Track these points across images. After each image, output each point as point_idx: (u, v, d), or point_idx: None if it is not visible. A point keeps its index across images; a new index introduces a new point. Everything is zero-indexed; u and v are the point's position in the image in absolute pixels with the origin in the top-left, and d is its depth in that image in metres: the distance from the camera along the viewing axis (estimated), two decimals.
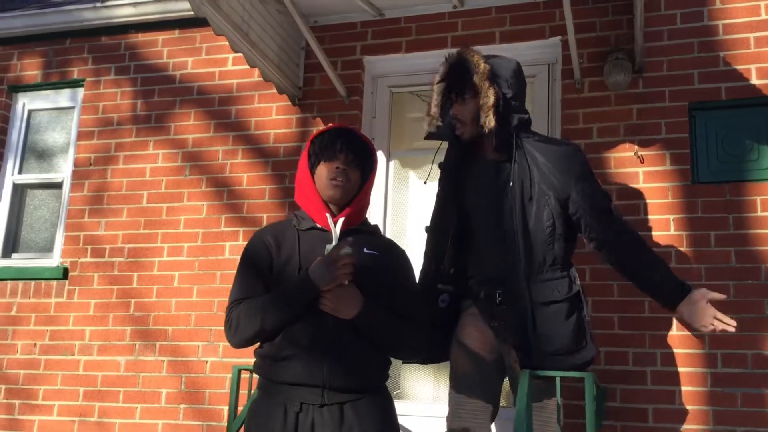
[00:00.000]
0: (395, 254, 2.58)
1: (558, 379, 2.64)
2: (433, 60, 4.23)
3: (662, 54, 3.88)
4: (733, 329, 2.69)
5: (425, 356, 2.92)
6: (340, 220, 2.44)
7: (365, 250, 2.46)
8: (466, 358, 2.93)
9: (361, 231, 2.52)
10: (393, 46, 4.36)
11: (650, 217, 3.72)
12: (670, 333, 3.59)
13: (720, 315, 2.69)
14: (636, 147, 3.81)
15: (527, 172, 2.83)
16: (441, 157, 3.12)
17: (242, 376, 3.16)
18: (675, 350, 3.56)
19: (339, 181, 2.44)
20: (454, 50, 3.02)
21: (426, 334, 2.56)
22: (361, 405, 2.36)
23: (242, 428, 2.61)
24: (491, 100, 2.79)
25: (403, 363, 3.96)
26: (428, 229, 3.12)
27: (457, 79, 2.92)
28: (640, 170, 3.79)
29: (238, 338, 2.42)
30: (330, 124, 2.63)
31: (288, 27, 4.24)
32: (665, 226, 3.69)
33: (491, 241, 2.88)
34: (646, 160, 3.79)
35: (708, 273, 3.59)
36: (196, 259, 4.42)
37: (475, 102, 2.84)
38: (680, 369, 3.54)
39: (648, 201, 3.75)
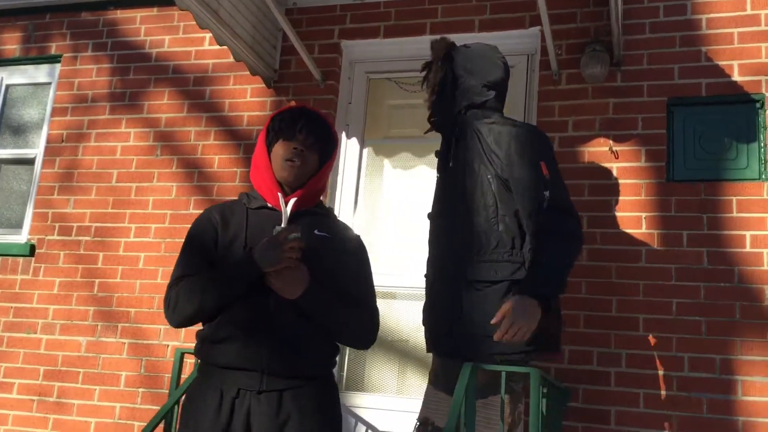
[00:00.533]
0: (348, 238, 2.47)
1: (503, 374, 2.53)
2: (411, 47, 4.17)
3: (642, 47, 3.76)
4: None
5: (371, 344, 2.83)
6: (292, 201, 2.35)
7: (316, 231, 2.37)
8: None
9: (314, 213, 2.42)
10: (371, 31, 4.26)
11: (621, 214, 3.61)
12: (637, 333, 3.48)
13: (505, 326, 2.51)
14: (611, 142, 3.70)
15: (471, 152, 2.77)
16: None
17: (189, 360, 3.06)
18: (641, 351, 3.45)
19: (294, 163, 2.34)
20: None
21: (372, 321, 2.44)
22: (302, 393, 2.24)
23: (180, 411, 2.51)
24: (434, 80, 2.85)
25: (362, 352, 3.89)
26: (429, 216, 3.02)
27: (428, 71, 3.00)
28: (614, 166, 3.68)
29: (176, 317, 2.32)
30: (294, 104, 2.54)
31: (264, 7, 4.15)
32: (636, 224, 3.58)
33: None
34: (621, 155, 3.68)
35: (678, 273, 3.48)
36: (163, 241, 4.34)
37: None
38: (646, 371, 3.43)
39: (620, 198, 3.64)
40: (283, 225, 2.30)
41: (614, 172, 3.68)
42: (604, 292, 3.54)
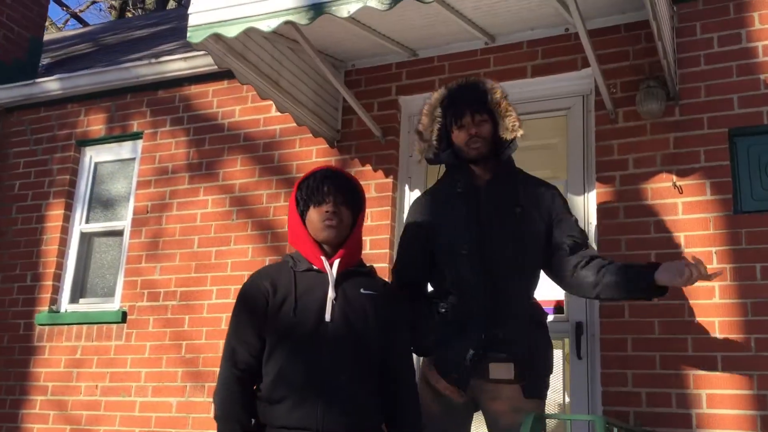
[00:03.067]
0: (392, 298, 2.62)
1: (568, 423, 2.53)
2: None
3: (699, 80, 3.72)
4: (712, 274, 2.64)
5: None
6: (336, 262, 2.47)
7: (362, 290, 2.50)
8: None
9: (358, 272, 2.55)
10: (427, 85, 4.36)
11: (690, 249, 3.54)
12: (716, 372, 3.38)
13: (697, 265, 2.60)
14: (674, 177, 3.66)
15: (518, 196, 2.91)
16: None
17: None
18: (721, 391, 3.35)
19: (332, 223, 2.48)
20: (450, 84, 3.05)
21: (416, 394, 2.59)
22: None
23: None
24: (514, 116, 2.88)
25: None
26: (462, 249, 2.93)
27: (472, 101, 2.90)
28: (679, 201, 3.63)
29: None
30: (315, 168, 2.66)
31: (324, 73, 4.32)
32: (707, 259, 3.49)
33: None
34: (685, 190, 3.63)
35: (755, 308, 3.38)
36: None
37: (492, 123, 2.90)
38: (727, 411, 3.32)
39: (688, 233, 3.57)
40: (330, 287, 2.44)
41: (680, 208, 3.62)
42: (679, 331, 3.47)
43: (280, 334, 2.44)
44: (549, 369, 2.81)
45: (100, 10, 18.55)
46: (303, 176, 2.58)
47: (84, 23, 15.83)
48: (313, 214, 2.51)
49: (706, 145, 3.64)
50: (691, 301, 3.48)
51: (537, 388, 2.73)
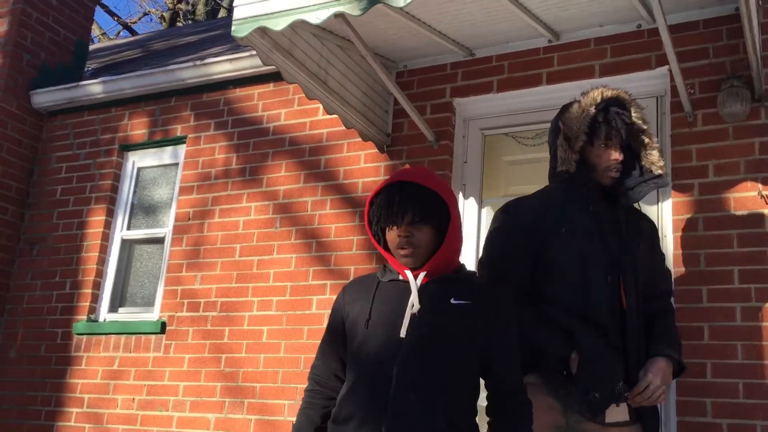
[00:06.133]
0: (493, 302, 2.25)
1: None
2: (527, 99, 3.99)
3: None
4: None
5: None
6: (421, 275, 2.21)
7: (452, 300, 2.20)
8: None
9: (451, 279, 2.24)
10: (484, 87, 4.10)
11: None
12: None
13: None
14: (760, 186, 3.31)
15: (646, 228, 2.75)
16: None
17: None
18: None
19: (405, 250, 2.21)
20: (605, 90, 2.65)
21: (527, 406, 2.23)
22: None
23: None
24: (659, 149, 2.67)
25: None
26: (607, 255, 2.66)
27: (625, 123, 2.59)
28: (766, 212, 3.28)
29: None
30: (386, 179, 2.29)
31: (373, 73, 4.09)
32: None
33: None
34: None
35: None
36: (284, 314, 4.29)
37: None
38: None
39: None
40: (413, 297, 2.18)
41: (767, 220, 3.27)
42: (765, 356, 3.11)
43: (354, 349, 2.27)
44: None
45: (150, 20, 18.77)
46: (373, 192, 2.27)
47: (135, 34, 15.97)
48: (390, 236, 2.25)
49: None
50: None
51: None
